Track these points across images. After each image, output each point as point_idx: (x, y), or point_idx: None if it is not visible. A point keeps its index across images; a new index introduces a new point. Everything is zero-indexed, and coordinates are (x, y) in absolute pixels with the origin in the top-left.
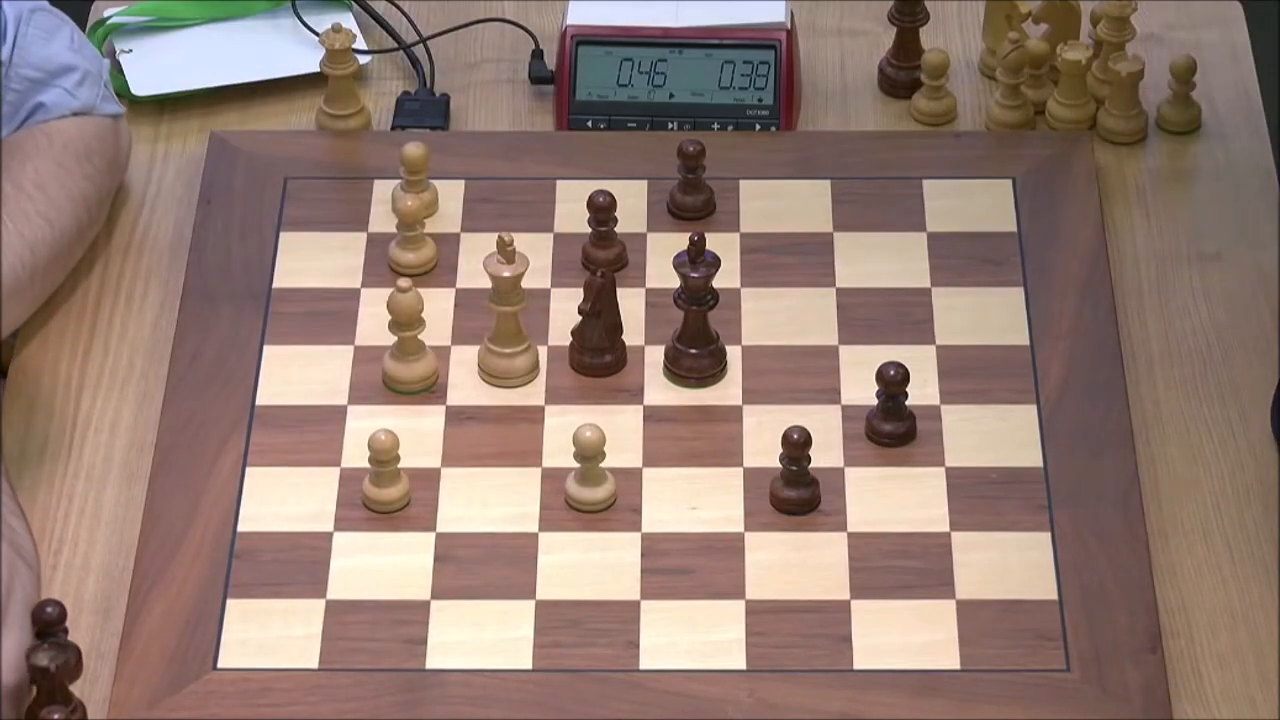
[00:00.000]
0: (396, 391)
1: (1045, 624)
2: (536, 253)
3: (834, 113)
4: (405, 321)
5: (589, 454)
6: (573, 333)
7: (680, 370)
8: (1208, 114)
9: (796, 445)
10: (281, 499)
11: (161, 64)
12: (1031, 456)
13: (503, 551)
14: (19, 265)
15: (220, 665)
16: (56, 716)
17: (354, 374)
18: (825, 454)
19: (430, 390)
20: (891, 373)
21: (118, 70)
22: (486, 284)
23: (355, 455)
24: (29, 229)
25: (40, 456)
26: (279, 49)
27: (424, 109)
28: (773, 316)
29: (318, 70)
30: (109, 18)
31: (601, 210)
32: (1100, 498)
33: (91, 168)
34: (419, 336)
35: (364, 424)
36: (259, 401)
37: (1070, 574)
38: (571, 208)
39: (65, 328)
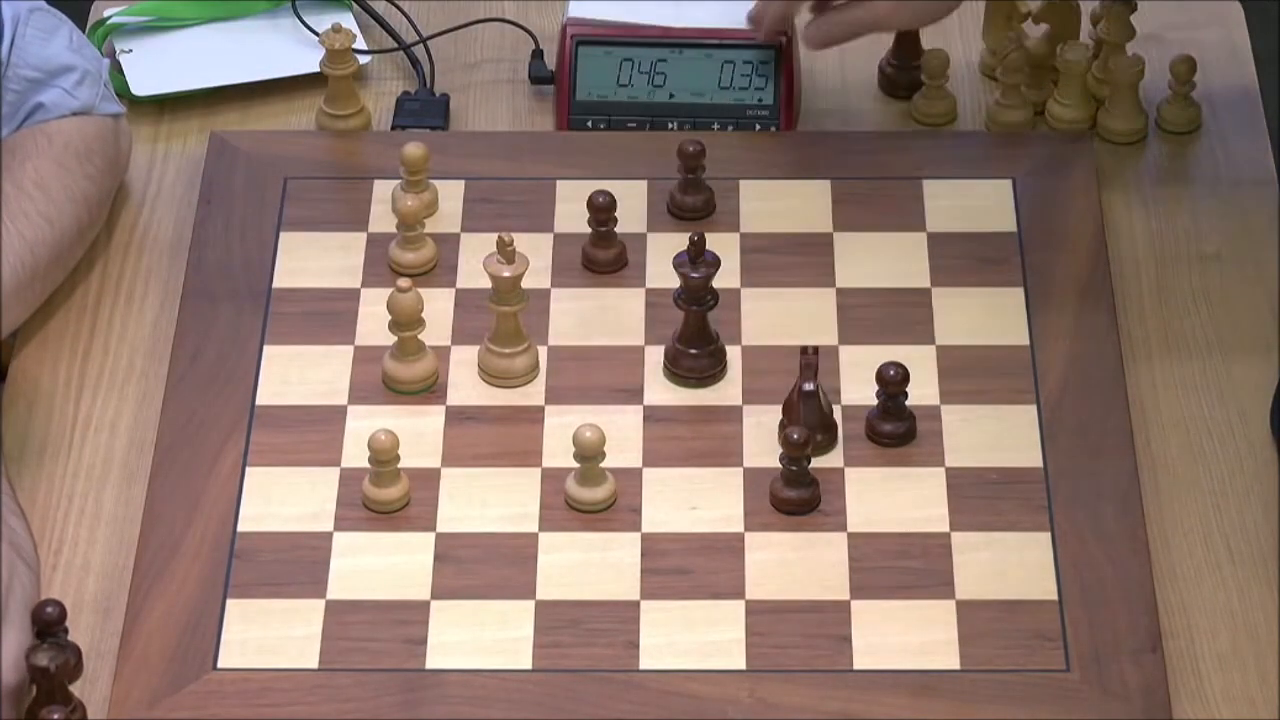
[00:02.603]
0: (396, 391)
1: (1045, 624)
2: (536, 253)
3: (834, 113)
4: (405, 321)
5: (589, 454)
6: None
7: (680, 370)
8: (1208, 114)
9: (796, 445)
10: (281, 499)
11: (161, 64)
12: (1031, 456)
13: (503, 551)
14: (20, 265)
15: (220, 665)
16: (56, 716)
17: (354, 374)
18: (825, 454)
19: (430, 390)
20: (891, 373)
21: (118, 70)
22: (486, 284)
23: (355, 455)
24: (30, 229)
25: (40, 456)
26: (279, 49)
27: (424, 109)
28: (773, 316)
29: (318, 70)
30: (109, 18)
31: (601, 210)
32: (1100, 498)
33: (92, 167)
34: (419, 336)
35: (364, 424)
36: (259, 401)
37: (1070, 574)
38: (571, 208)
39: (65, 328)
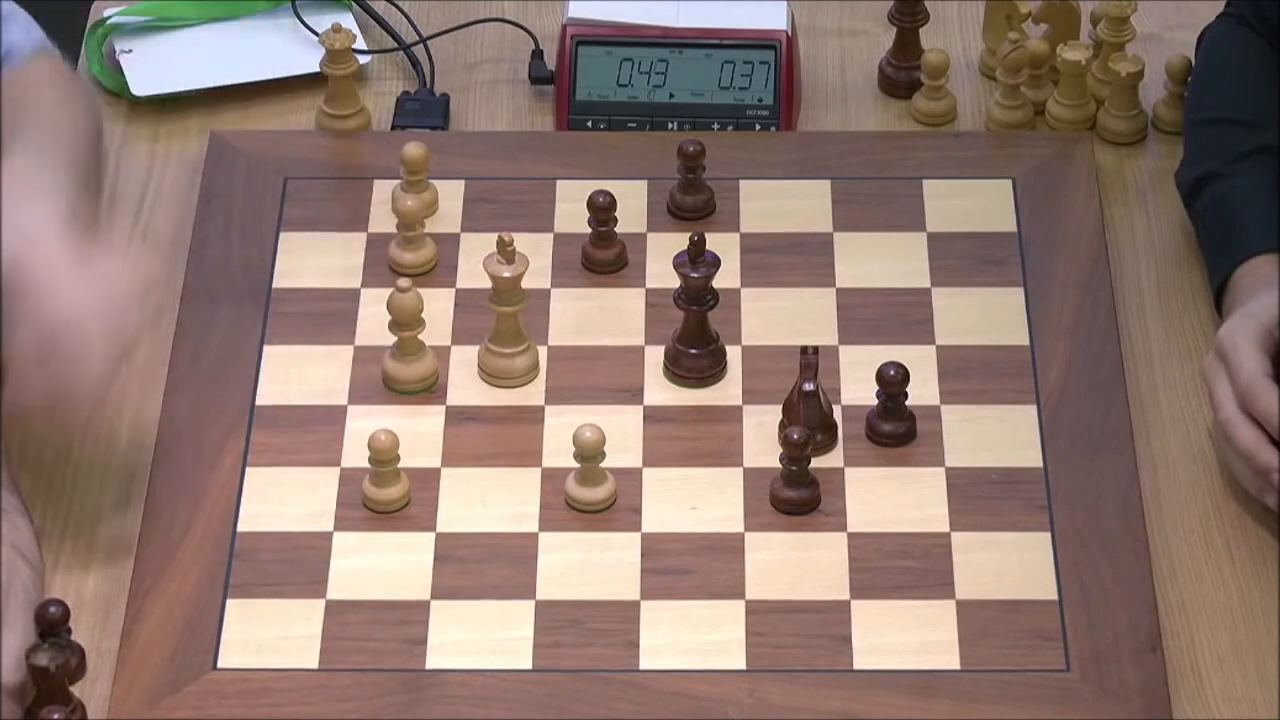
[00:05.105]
0: (396, 391)
1: (1045, 624)
2: (536, 253)
3: (834, 113)
4: (405, 321)
5: (589, 454)
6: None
7: (680, 370)
8: None
9: (796, 445)
10: (281, 499)
11: (161, 64)
12: (1031, 456)
13: (503, 551)
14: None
15: (220, 665)
16: (56, 717)
17: (354, 374)
18: (825, 454)
19: (430, 390)
20: (891, 373)
21: (118, 70)
22: (486, 284)
23: (355, 455)
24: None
25: (40, 456)
26: (279, 49)
27: (424, 109)
28: (773, 316)
29: (318, 70)
30: (109, 18)
31: (601, 210)
32: (1100, 498)
33: (84, 100)
34: (419, 336)
35: (364, 424)
36: (259, 401)
37: (1070, 574)
38: (571, 208)
39: None
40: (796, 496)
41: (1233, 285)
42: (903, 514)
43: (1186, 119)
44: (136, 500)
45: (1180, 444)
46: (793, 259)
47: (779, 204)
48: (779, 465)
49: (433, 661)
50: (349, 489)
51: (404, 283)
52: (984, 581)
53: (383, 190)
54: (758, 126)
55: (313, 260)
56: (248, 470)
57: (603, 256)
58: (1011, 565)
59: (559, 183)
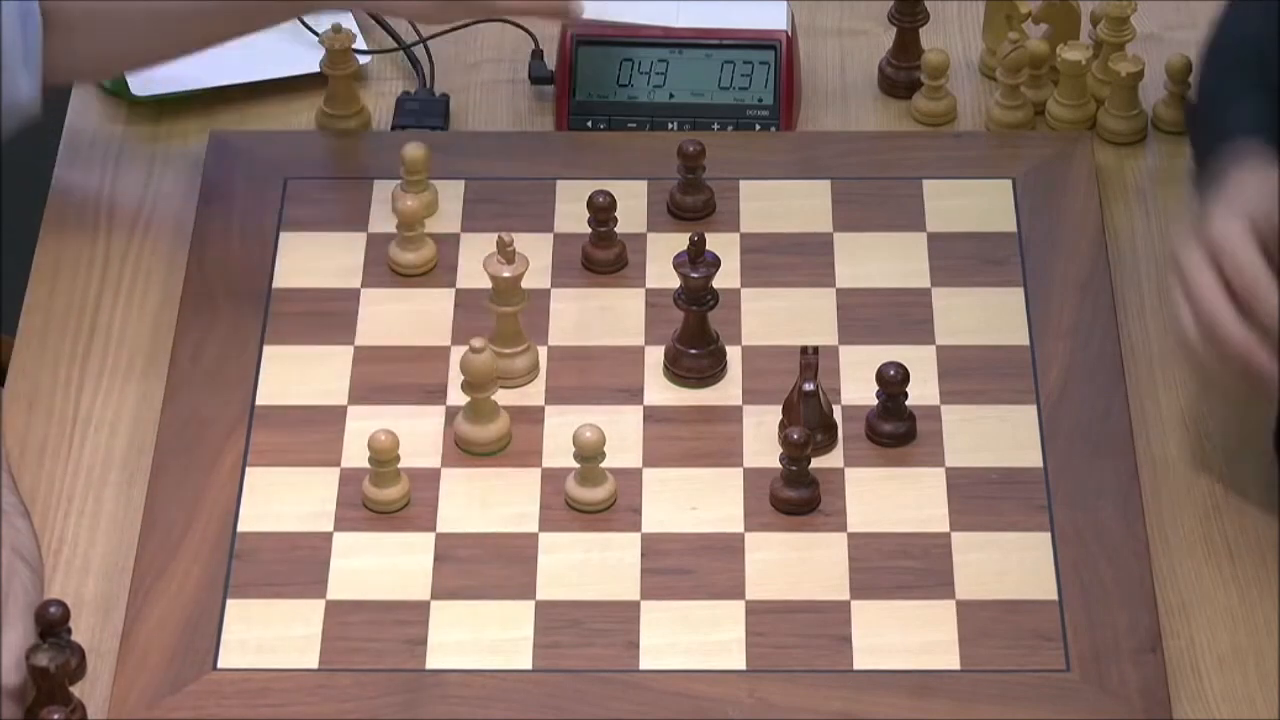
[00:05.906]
0: (470, 454)
1: (1045, 624)
2: (536, 253)
3: (834, 113)
4: (479, 383)
5: (589, 454)
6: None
7: (680, 370)
8: None
9: (796, 445)
10: (281, 499)
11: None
12: (1031, 456)
13: (503, 551)
14: None
15: (220, 665)
16: (56, 717)
17: (354, 374)
18: (825, 454)
19: (504, 450)
20: (891, 373)
21: None
22: (486, 284)
23: (355, 455)
24: None
25: (40, 456)
26: (279, 49)
27: (424, 109)
28: (773, 316)
29: (318, 70)
30: None
31: (601, 210)
32: (1100, 498)
33: None
34: (493, 398)
35: (364, 424)
36: (259, 401)
37: (1070, 574)
38: (571, 208)
39: (65, 328)
40: (796, 496)
41: (1217, 170)
42: (903, 514)
43: (1200, 69)
44: (137, 500)
45: (1180, 444)
46: (793, 259)
47: (779, 204)
48: (779, 465)
49: (433, 661)
50: (349, 489)
51: (478, 342)
52: (984, 581)
53: (383, 190)
54: (758, 126)
55: (313, 260)
56: (248, 470)
57: (603, 256)
58: (1011, 565)
59: (559, 183)
